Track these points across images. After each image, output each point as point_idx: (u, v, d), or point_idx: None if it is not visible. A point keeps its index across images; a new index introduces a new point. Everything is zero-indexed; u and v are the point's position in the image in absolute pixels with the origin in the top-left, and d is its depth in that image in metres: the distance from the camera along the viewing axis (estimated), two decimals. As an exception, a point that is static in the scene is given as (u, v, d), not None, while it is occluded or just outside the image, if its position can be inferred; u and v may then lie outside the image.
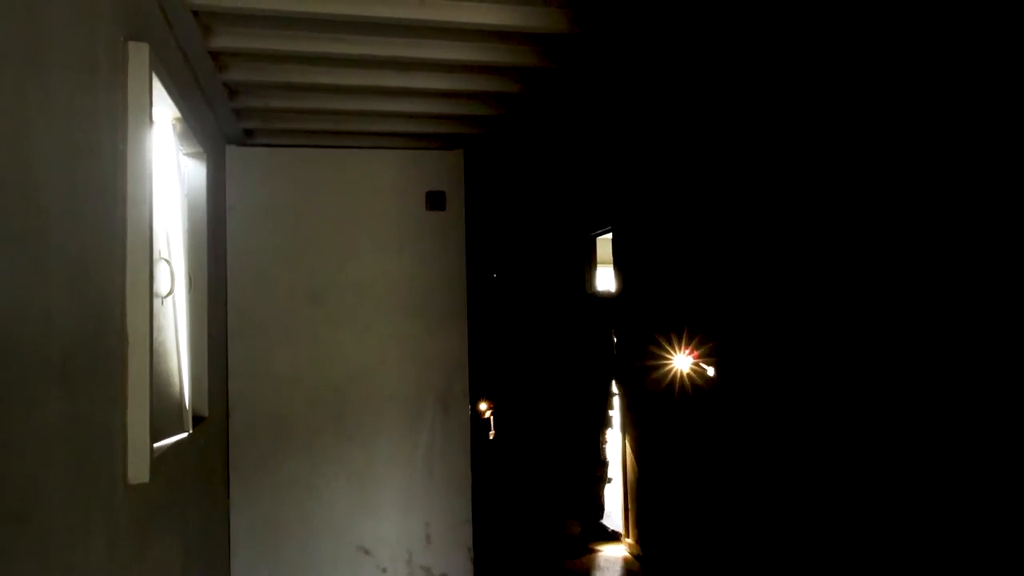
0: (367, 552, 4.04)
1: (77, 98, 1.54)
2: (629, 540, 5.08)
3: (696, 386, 3.98)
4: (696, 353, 3.94)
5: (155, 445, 1.96)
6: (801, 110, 2.95)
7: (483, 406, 4.98)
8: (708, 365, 3.88)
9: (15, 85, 1.22)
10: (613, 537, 5.35)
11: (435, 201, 4.11)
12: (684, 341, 4.01)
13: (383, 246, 4.10)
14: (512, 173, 5.58)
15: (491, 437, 4.90)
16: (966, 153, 2.14)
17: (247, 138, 3.85)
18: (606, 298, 5.38)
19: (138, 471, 1.86)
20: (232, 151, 3.87)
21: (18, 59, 1.23)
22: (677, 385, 4.08)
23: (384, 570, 4.06)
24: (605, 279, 5.93)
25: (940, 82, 2.24)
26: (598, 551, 5.17)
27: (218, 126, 3.55)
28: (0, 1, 1.17)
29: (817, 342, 2.94)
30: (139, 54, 1.89)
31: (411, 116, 3.64)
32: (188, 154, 2.88)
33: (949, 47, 2.20)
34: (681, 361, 4.01)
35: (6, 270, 1.17)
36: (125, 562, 1.84)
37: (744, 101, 3.42)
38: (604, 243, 5.80)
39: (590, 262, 5.93)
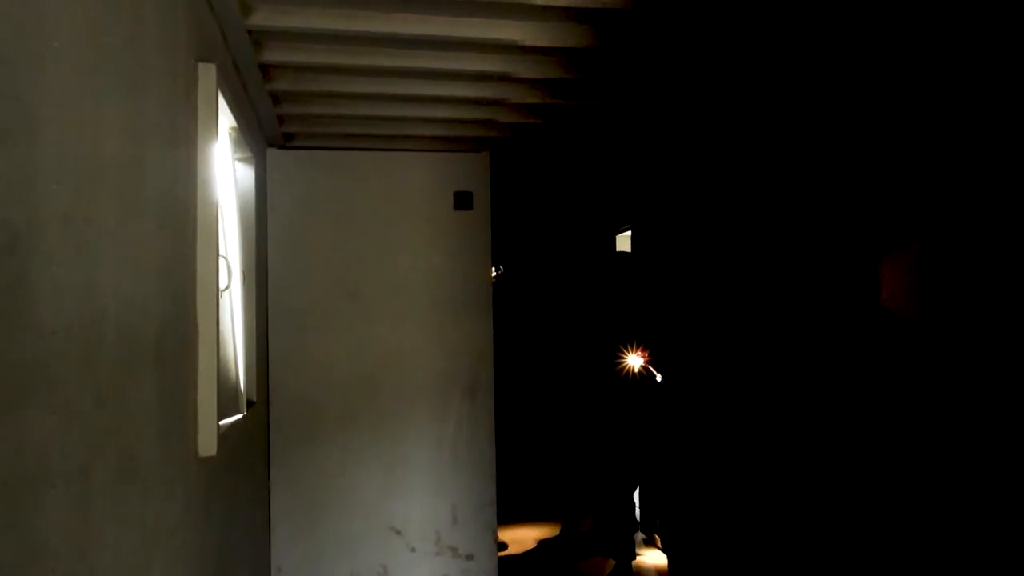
0: (398, 532, 4.28)
1: (165, 115, 1.77)
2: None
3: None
4: (646, 355, 4.38)
5: (219, 423, 2.20)
6: (814, 124, 3.13)
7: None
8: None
9: (127, 107, 1.45)
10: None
11: (462, 201, 4.33)
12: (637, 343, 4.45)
13: (413, 243, 4.33)
14: (537, 174, 5.79)
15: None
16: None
17: (287, 141, 4.10)
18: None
19: (207, 445, 2.10)
20: (272, 154, 4.12)
21: (128, 85, 1.46)
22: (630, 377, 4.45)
23: (413, 549, 4.30)
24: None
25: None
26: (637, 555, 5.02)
27: (261, 131, 3.79)
28: (116, 36, 1.39)
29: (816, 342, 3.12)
30: (208, 74, 2.13)
31: (441, 121, 3.86)
32: (239, 159, 3.13)
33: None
34: (633, 360, 4.43)
35: (121, 268, 1.41)
36: (195, 525, 2.08)
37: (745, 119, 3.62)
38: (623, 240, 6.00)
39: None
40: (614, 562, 4.73)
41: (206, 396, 2.10)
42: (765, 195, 3.64)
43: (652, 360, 4.49)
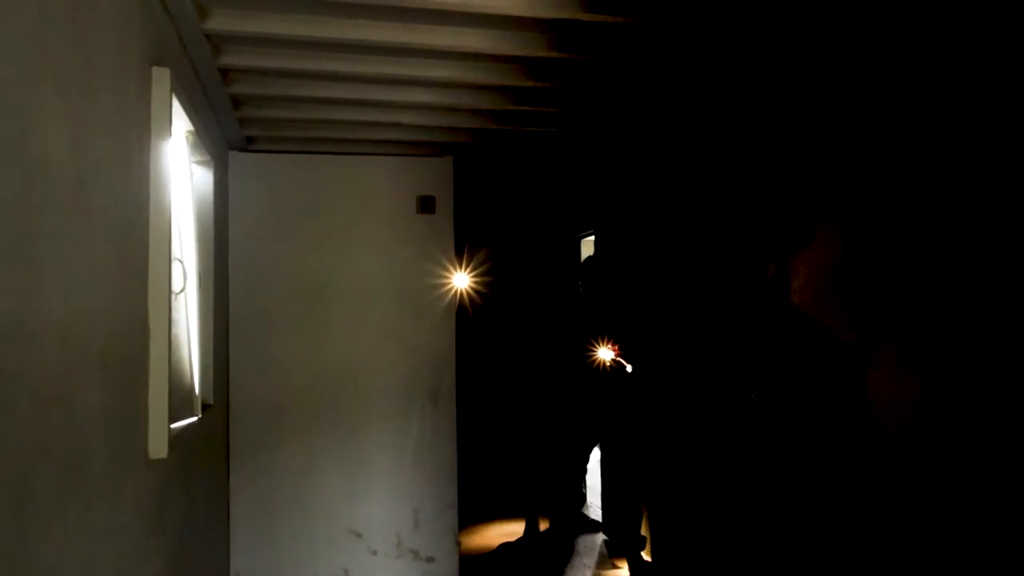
0: (359, 535, 4.28)
1: (114, 118, 1.78)
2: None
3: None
4: (616, 349, 4.49)
5: (171, 426, 2.20)
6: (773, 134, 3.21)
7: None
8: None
9: (73, 109, 1.47)
10: (595, 528, 5.54)
11: (425, 205, 4.36)
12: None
13: (376, 246, 4.34)
14: (500, 178, 5.84)
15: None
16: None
17: (249, 144, 4.09)
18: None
19: (158, 447, 2.10)
20: (235, 157, 4.11)
21: (74, 86, 1.47)
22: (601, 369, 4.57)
23: (375, 552, 4.31)
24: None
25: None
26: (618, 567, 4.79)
27: (222, 134, 3.78)
28: (63, 39, 1.41)
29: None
30: (162, 78, 2.14)
31: (404, 126, 3.88)
32: (197, 162, 3.12)
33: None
34: (604, 353, 4.55)
35: (66, 271, 1.41)
36: (147, 527, 2.09)
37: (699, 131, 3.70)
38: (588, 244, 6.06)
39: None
40: None
41: (157, 398, 2.10)
42: (710, 198, 3.73)
43: (622, 353, 4.59)
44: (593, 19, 2.70)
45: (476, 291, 4.63)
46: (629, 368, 4.61)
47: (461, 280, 4.49)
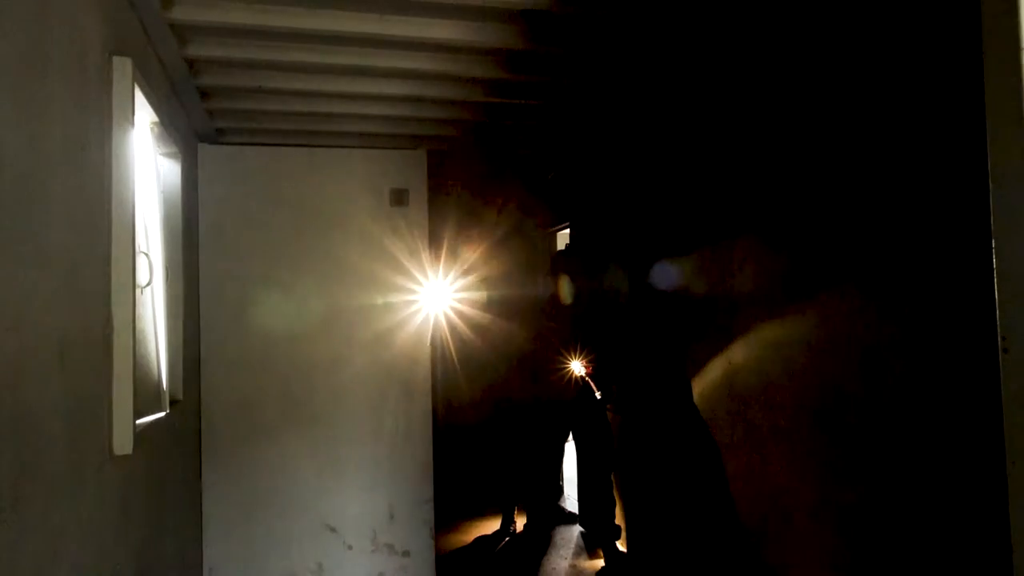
0: (333, 530, 4.26)
1: (72, 108, 1.74)
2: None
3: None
4: (589, 367, 4.50)
5: (137, 421, 2.18)
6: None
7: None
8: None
9: (26, 98, 1.43)
10: (572, 520, 5.56)
11: (398, 197, 4.33)
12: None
13: (349, 239, 4.31)
14: (477, 170, 5.82)
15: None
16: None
17: (219, 136, 4.04)
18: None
19: (122, 443, 2.08)
20: (205, 149, 4.05)
21: (27, 75, 1.44)
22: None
23: (350, 547, 4.29)
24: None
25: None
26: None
27: (191, 126, 3.73)
28: (13, 25, 1.38)
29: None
30: (123, 68, 2.10)
31: (376, 118, 3.85)
32: (164, 154, 3.08)
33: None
34: (576, 366, 4.54)
35: (17, 262, 1.39)
36: (111, 525, 2.06)
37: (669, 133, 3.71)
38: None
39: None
40: None
41: (122, 394, 2.07)
42: (680, 195, 3.75)
43: (592, 374, 4.57)
44: (567, 11, 2.69)
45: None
46: (598, 395, 4.60)
47: (438, 301, 4.47)
